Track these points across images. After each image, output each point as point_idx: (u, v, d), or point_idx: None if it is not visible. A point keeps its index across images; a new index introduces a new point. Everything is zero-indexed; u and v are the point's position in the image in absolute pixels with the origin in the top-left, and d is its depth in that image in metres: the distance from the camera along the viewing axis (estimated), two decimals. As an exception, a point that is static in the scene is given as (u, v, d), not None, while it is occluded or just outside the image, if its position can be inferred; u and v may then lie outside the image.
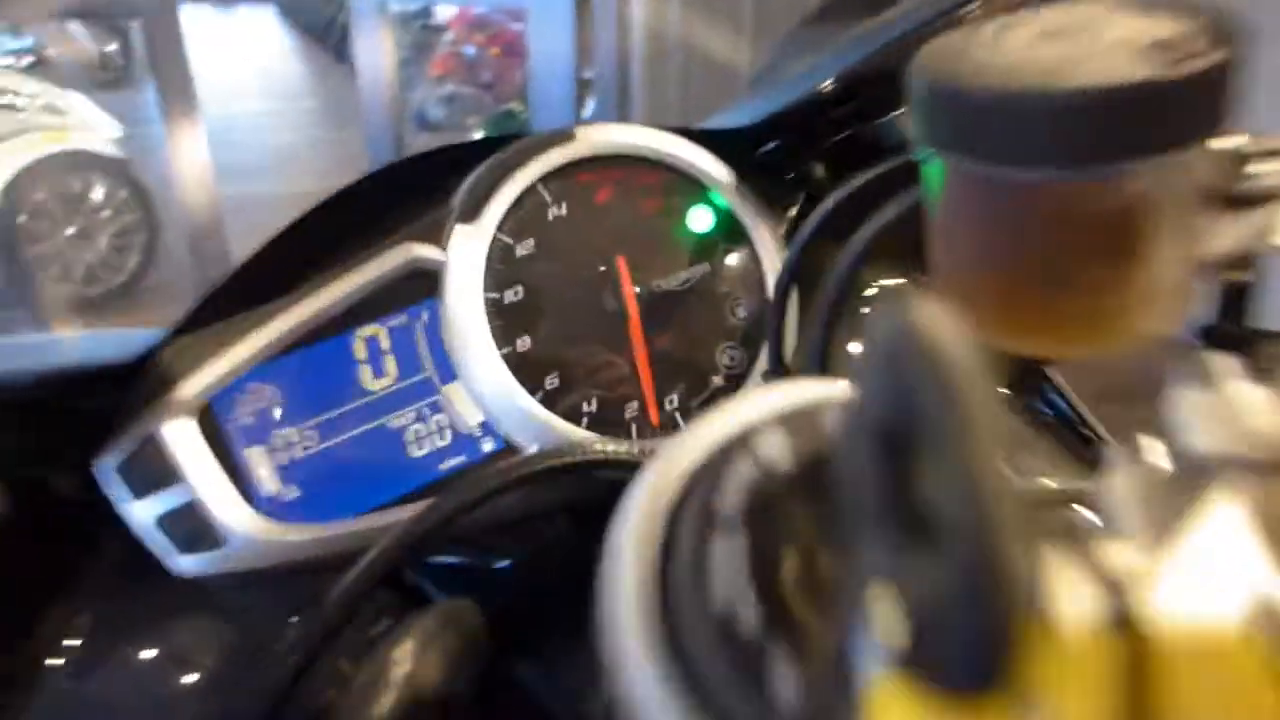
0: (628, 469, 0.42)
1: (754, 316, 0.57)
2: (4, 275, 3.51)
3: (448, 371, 0.53)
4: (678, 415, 0.55)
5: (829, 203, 0.46)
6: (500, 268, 0.53)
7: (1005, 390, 0.80)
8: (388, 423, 0.52)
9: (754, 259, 0.58)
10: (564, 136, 0.56)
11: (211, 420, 0.50)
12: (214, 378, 0.49)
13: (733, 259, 0.58)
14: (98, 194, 3.71)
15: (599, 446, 0.42)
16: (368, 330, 0.53)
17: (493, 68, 5.11)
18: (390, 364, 0.53)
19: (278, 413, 0.51)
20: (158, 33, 2.99)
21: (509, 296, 0.53)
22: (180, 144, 3.16)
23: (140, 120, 3.76)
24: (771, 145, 0.64)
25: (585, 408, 0.54)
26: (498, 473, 0.41)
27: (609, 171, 0.56)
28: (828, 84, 0.57)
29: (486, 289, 0.53)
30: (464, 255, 0.53)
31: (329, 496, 0.51)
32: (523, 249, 0.54)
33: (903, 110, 0.60)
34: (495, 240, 0.53)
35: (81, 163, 3.69)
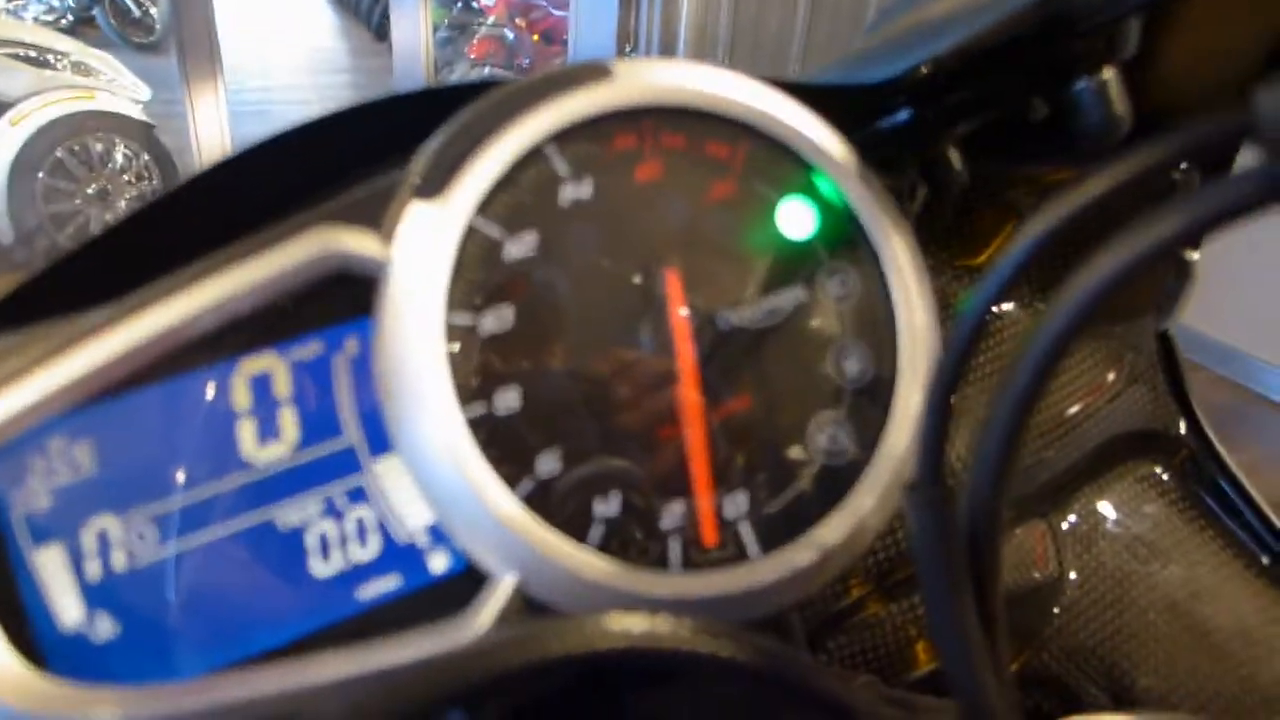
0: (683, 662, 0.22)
1: (872, 377, 0.37)
2: (16, 230, 3.52)
3: (380, 439, 0.33)
4: (743, 530, 0.35)
5: (1049, 221, 0.25)
6: (477, 275, 0.33)
7: (1164, 473, 0.61)
8: (277, 517, 0.32)
9: (878, 286, 0.37)
10: (595, 72, 0.35)
11: (-24, 500, 0.30)
12: None
13: (843, 284, 0.37)
14: (120, 156, 3.73)
15: (629, 628, 0.22)
16: (255, 363, 0.32)
17: (532, 53, 4.99)
18: (289, 421, 0.33)
19: (93, 491, 0.31)
20: (186, -1, 2.89)
21: (489, 323, 0.33)
22: (201, 110, 3.05)
23: (174, 86, 3.70)
24: (901, 115, 0.43)
25: (599, 510, 0.33)
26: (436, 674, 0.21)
27: (661, 135, 0.36)
28: (1004, 21, 0.36)
29: (452, 308, 0.33)
30: (418, 252, 0.33)
31: (169, 638, 0.31)
32: (516, 248, 0.34)
33: (1109, 74, 0.39)
34: (471, 232, 0.33)
35: (106, 124, 3.73)
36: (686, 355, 0.35)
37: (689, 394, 0.34)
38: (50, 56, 3.68)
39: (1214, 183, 0.23)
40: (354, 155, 0.40)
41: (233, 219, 0.38)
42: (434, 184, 0.33)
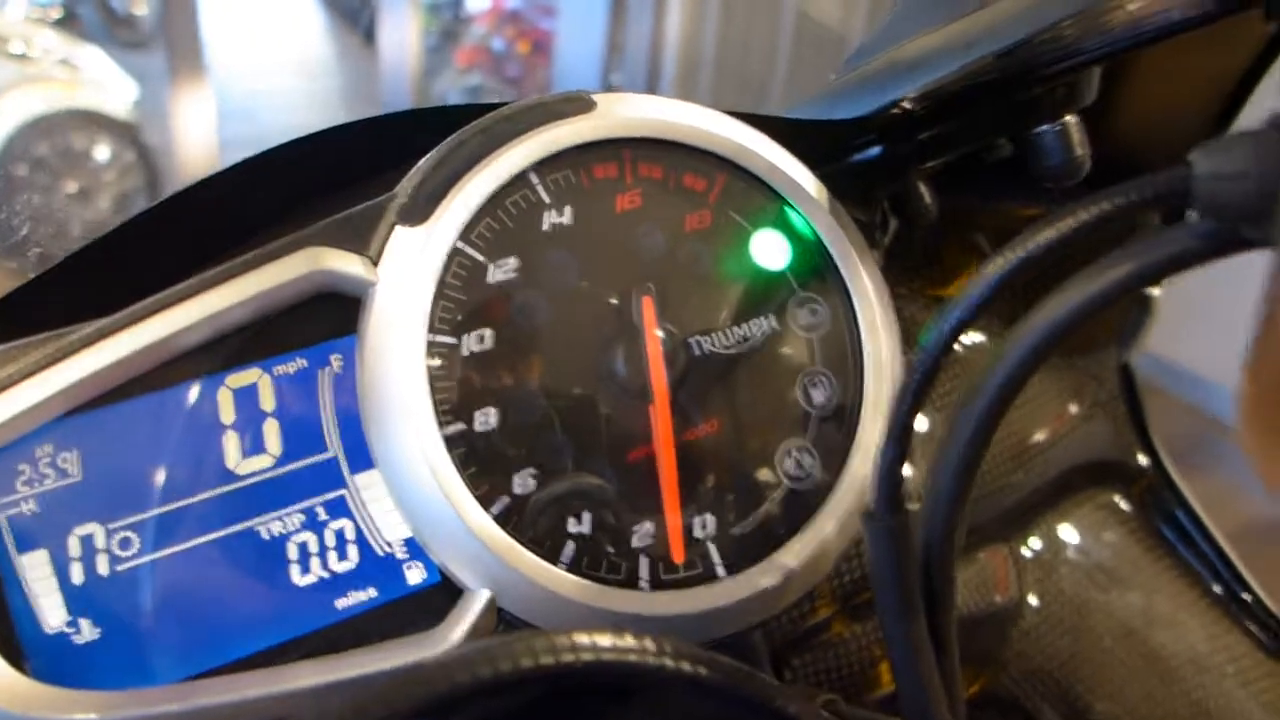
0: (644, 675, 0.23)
1: (837, 404, 0.38)
2: None
3: (361, 454, 0.34)
4: (711, 550, 0.36)
5: (1021, 252, 0.27)
6: (459, 298, 0.34)
7: (1123, 503, 0.62)
8: (260, 527, 0.33)
9: (846, 317, 0.39)
10: (578, 103, 0.37)
11: (-36, 504, 0.31)
12: None
13: (813, 314, 0.39)
14: (102, 154, 3.69)
15: (600, 643, 0.23)
16: (241, 377, 0.33)
17: (520, 64, 4.99)
18: (273, 434, 0.34)
19: (80, 498, 0.32)
20: (171, -4, 2.88)
21: (470, 344, 0.34)
22: (185, 110, 3.04)
23: (159, 84, 3.67)
24: (873, 151, 0.45)
25: (571, 527, 0.34)
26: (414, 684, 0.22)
27: (640, 165, 0.37)
28: (978, 64, 0.37)
29: (434, 329, 0.34)
30: (402, 273, 0.34)
31: (151, 644, 0.32)
32: (499, 271, 0.35)
33: (1071, 119, 0.41)
34: (455, 254, 0.34)
35: (89, 121, 3.66)
36: (659, 379, 0.36)
37: (661, 417, 0.36)
38: (35, 52, 3.65)
39: (1162, 234, 0.25)
40: (340, 173, 0.42)
41: (219, 234, 0.39)
42: (419, 207, 0.34)
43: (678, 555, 0.35)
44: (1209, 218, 0.23)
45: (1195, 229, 0.24)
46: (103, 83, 3.79)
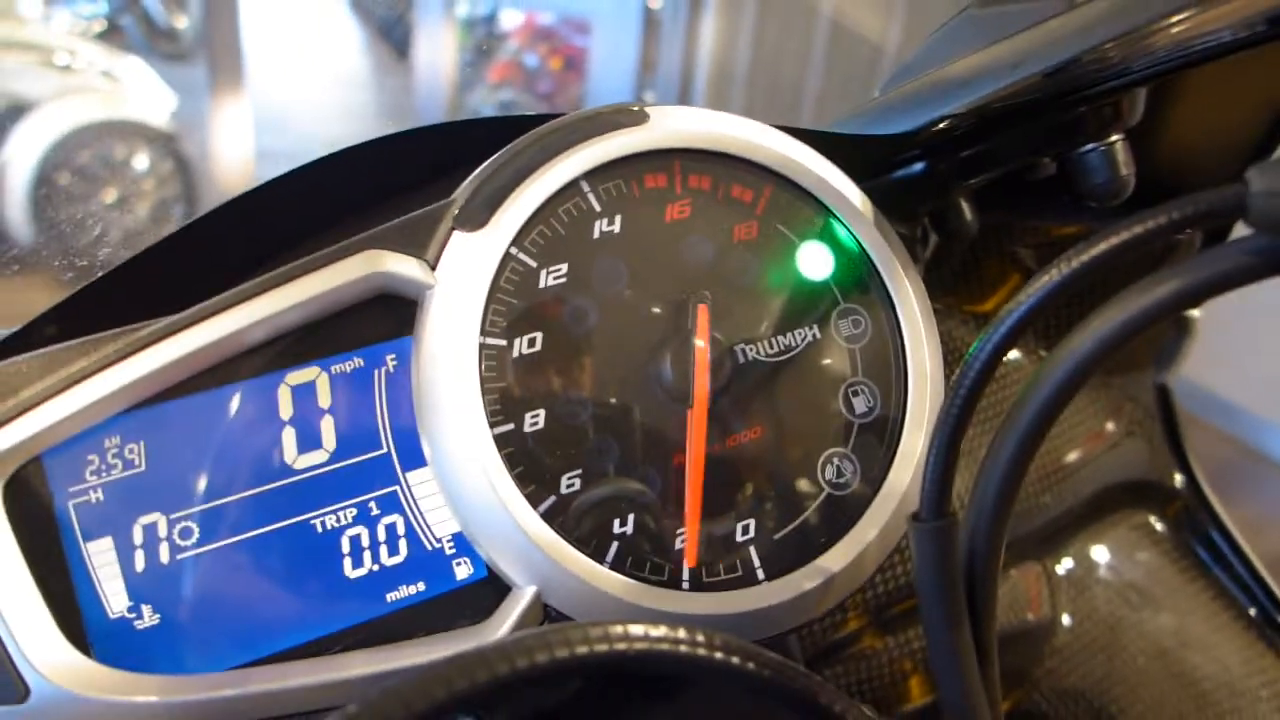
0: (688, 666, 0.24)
1: (879, 414, 0.39)
2: (36, 234, 3.55)
3: (414, 452, 0.35)
4: (751, 553, 0.36)
5: (1075, 265, 0.27)
6: (512, 301, 0.35)
7: (1158, 523, 0.62)
8: (314, 520, 0.34)
9: (889, 328, 0.39)
10: (631, 115, 0.37)
11: (35, 490, 0.32)
12: (46, 423, 0.31)
13: (855, 325, 0.39)
14: (142, 163, 3.75)
15: (653, 633, 0.24)
16: (300, 375, 0.34)
17: (552, 80, 5.02)
18: (329, 431, 0.35)
19: (144, 489, 0.33)
20: (214, 8, 2.93)
21: (520, 346, 0.35)
22: (224, 121, 3.08)
23: (199, 95, 3.73)
24: (917, 167, 0.45)
25: (616, 528, 0.35)
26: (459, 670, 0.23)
27: (690, 176, 0.38)
28: (1024, 84, 0.38)
29: (486, 331, 0.35)
30: (459, 277, 0.35)
31: (207, 631, 0.33)
32: (550, 276, 0.36)
33: (1116, 139, 0.41)
34: (509, 259, 0.35)
35: (129, 131, 3.72)
36: (703, 386, 0.36)
37: (704, 422, 0.36)
38: (78, 64, 3.72)
39: (1213, 251, 0.25)
40: (393, 180, 0.43)
41: (276, 238, 0.41)
42: (476, 214, 0.35)
43: (691, 559, 0.36)
44: (1265, 234, 0.23)
45: (1248, 245, 0.24)
46: (143, 94, 3.86)
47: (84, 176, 3.63)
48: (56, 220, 3.53)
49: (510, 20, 5.32)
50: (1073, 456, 0.58)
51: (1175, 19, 0.31)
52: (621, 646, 0.24)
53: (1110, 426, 0.59)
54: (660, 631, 0.24)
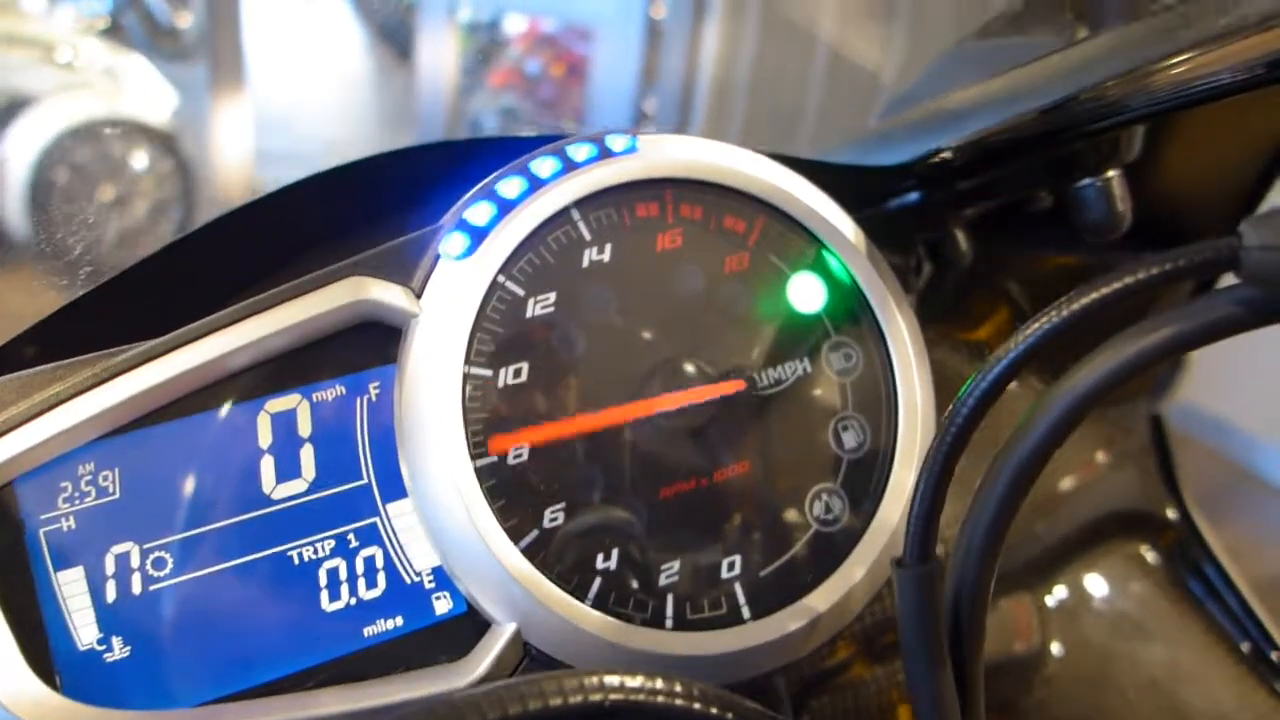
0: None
1: (869, 449, 0.38)
2: (32, 230, 3.54)
3: (395, 483, 0.34)
4: (737, 591, 0.36)
5: (1065, 313, 0.27)
6: (498, 330, 0.35)
7: (1150, 554, 0.62)
8: (291, 552, 0.34)
9: (880, 362, 0.39)
10: (620, 143, 0.37)
11: (5, 516, 0.31)
12: (19, 449, 0.31)
13: (847, 358, 0.39)
14: (140, 162, 3.74)
15: (629, 684, 0.23)
16: (281, 403, 0.34)
17: (554, 87, 5.02)
18: (309, 460, 0.34)
19: (118, 517, 0.32)
20: (217, 7, 2.93)
21: (506, 377, 0.35)
22: (224, 120, 3.08)
23: (199, 94, 3.73)
24: (912, 197, 0.45)
25: (599, 563, 0.35)
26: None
27: (682, 205, 0.38)
28: (1021, 118, 0.38)
29: (471, 361, 0.34)
30: (444, 306, 0.34)
31: (179, 665, 0.32)
32: (537, 305, 0.35)
33: (1113, 174, 0.41)
34: (496, 287, 0.35)
35: (128, 129, 3.71)
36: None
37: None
38: (80, 60, 3.72)
39: (1207, 299, 0.25)
40: (382, 199, 0.42)
41: (261, 258, 0.40)
42: (464, 242, 0.35)
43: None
44: (1255, 287, 0.23)
45: (1238, 296, 0.24)
46: (143, 92, 3.85)
47: (82, 174, 3.63)
48: (53, 218, 3.53)
49: (513, 26, 5.32)
50: (1064, 486, 0.58)
51: (1176, 60, 0.31)
52: (597, 697, 0.23)
53: (1102, 457, 0.59)
54: (637, 682, 0.24)
